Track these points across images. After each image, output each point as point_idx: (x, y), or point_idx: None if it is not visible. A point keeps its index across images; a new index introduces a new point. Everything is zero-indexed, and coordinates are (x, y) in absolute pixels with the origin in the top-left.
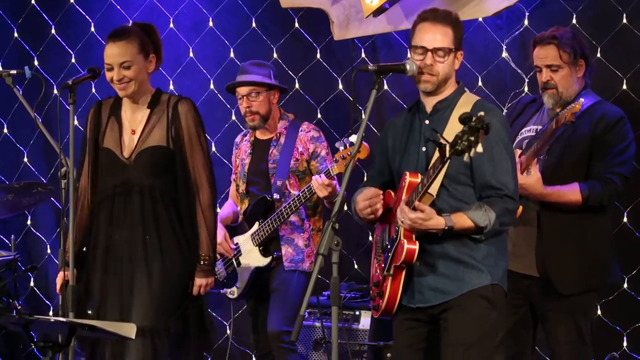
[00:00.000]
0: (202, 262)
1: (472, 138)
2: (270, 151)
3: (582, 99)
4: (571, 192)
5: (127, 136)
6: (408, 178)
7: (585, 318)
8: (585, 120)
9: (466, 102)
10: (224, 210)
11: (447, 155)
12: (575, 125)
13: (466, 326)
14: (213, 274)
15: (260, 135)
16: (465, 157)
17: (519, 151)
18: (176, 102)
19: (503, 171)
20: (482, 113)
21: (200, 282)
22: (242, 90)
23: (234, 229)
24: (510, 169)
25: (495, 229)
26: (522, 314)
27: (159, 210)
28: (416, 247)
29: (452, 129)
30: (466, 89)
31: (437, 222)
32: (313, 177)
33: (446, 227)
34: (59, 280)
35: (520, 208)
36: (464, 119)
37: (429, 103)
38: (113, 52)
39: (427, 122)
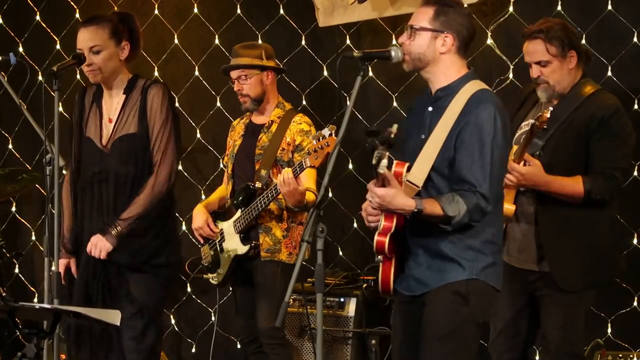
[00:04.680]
0: (111, 227)
1: (378, 153)
2: (260, 137)
3: (551, 108)
4: (574, 184)
5: (105, 123)
6: (394, 167)
7: (581, 309)
8: (581, 114)
9: (466, 92)
10: (212, 196)
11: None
12: (571, 119)
13: (436, 321)
14: (111, 243)
15: (255, 119)
16: (381, 170)
17: (515, 147)
18: (147, 87)
19: (479, 168)
20: (393, 127)
21: (95, 240)
22: (232, 74)
23: (222, 214)
24: (489, 167)
25: (464, 222)
26: (520, 305)
27: (130, 196)
28: (385, 239)
29: (446, 120)
30: (476, 78)
31: (406, 202)
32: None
33: (415, 210)
34: (61, 266)
35: (514, 208)
36: (369, 133)
37: (433, 89)
38: (84, 37)
39: (430, 108)
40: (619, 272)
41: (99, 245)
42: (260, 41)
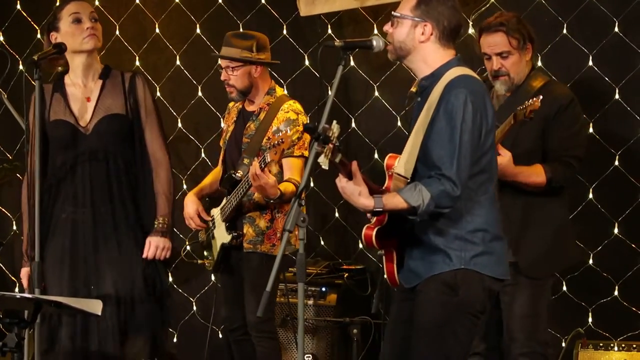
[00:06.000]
0: (158, 224)
1: (316, 149)
2: (248, 125)
3: (540, 96)
4: (536, 173)
5: (78, 106)
6: (386, 160)
7: (543, 295)
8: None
9: (445, 80)
10: (204, 181)
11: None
12: None
13: (426, 312)
14: (170, 238)
15: (247, 105)
16: (323, 166)
17: None
18: (133, 75)
19: (447, 152)
20: (332, 125)
21: (156, 243)
22: (222, 62)
23: (217, 199)
24: (457, 151)
25: (430, 210)
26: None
27: (124, 177)
28: (372, 233)
29: (426, 110)
30: (460, 64)
31: (365, 201)
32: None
33: (374, 209)
34: (24, 277)
35: None
36: (305, 129)
37: (418, 79)
38: (81, 5)
39: (419, 99)
40: (577, 259)
41: (160, 245)
42: (241, 31)
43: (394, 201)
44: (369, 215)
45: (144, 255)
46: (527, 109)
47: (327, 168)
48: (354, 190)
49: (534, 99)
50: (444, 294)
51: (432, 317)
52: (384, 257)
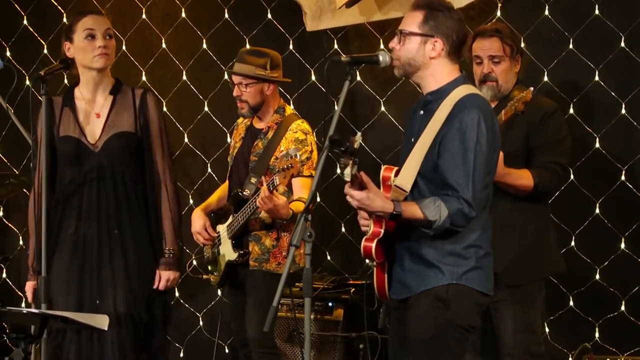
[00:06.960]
0: (166, 255)
1: (342, 161)
2: (256, 143)
3: (531, 88)
4: (525, 177)
5: (87, 122)
6: (382, 172)
7: (535, 308)
8: (521, 114)
9: (454, 97)
10: (212, 197)
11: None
12: (512, 119)
13: (418, 326)
14: (178, 268)
15: (255, 122)
16: (346, 178)
17: None
18: (144, 92)
19: (462, 174)
20: (357, 136)
21: (166, 276)
22: (234, 79)
23: (224, 215)
24: (472, 173)
25: (445, 226)
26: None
27: (132, 196)
28: (372, 245)
29: (433, 125)
30: (467, 82)
31: (385, 204)
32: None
33: (394, 212)
34: (29, 290)
35: None
36: (331, 141)
37: (423, 93)
38: (97, 20)
39: (421, 112)
40: (559, 268)
41: (170, 278)
42: (248, 46)
43: (412, 210)
44: (364, 227)
45: (155, 286)
46: (519, 101)
47: (349, 180)
48: (373, 196)
49: (526, 91)
50: (436, 308)
51: (424, 331)
52: (374, 270)
